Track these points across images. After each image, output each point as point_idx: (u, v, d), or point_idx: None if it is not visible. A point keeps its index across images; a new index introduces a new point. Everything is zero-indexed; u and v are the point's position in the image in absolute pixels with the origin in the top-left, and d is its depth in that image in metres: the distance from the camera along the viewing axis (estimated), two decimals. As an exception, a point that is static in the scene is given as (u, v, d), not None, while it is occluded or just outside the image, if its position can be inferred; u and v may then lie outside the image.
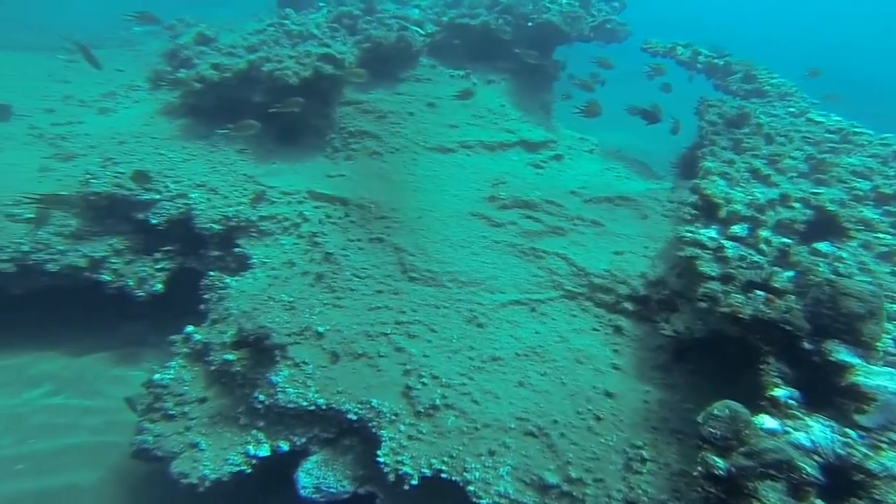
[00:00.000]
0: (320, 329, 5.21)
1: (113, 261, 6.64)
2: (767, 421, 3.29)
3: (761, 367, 3.78)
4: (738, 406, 3.25)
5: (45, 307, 6.95)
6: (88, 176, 6.94)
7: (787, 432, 3.20)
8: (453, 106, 9.01)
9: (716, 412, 3.26)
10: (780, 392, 3.53)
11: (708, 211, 5.49)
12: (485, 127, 8.96)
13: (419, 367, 4.95)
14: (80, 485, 5.26)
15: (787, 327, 3.80)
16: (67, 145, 8.00)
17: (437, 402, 4.67)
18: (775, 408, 3.42)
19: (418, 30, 9.86)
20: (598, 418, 4.61)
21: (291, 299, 5.52)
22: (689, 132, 8.64)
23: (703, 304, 4.39)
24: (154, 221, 6.76)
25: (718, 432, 3.19)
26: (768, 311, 3.96)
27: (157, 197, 6.88)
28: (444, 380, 4.85)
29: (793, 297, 4.08)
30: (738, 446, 3.11)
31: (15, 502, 4.98)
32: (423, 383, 4.82)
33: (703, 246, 4.95)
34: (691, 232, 5.24)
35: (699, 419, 3.35)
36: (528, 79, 10.67)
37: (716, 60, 10.94)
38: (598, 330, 5.47)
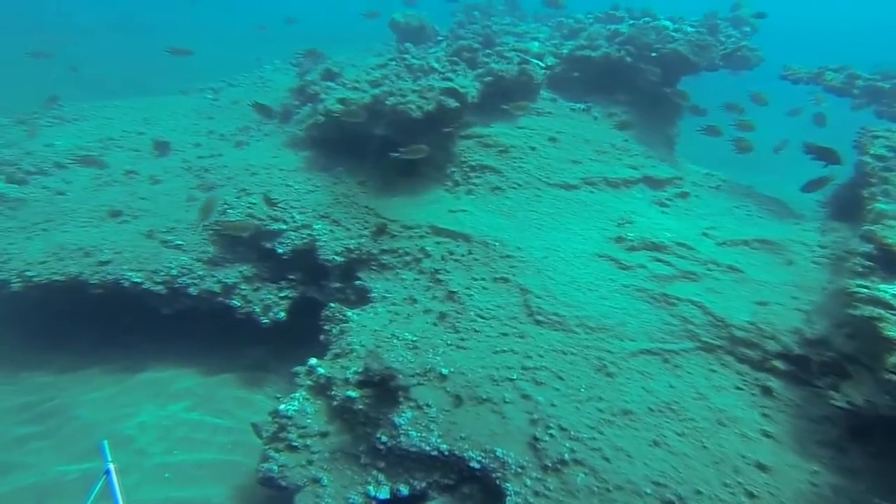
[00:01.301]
0: (444, 371, 5.06)
1: (242, 287, 6.95)
2: None
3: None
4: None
5: (186, 327, 7.42)
6: (226, 206, 7.37)
7: None
8: (575, 141, 8.75)
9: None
10: None
11: (888, 263, 4.79)
12: (608, 163, 8.61)
13: (546, 417, 4.65)
14: (211, 500, 5.40)
15: None
16: (209, 176, 8.58)
17: (566, 456, 4.35)
18: None
19: (539, 63, 9.76)
20: (752, 495, 4.07)
21: (415, 338, 5.43)
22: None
23: (894, 377, 3.76)
24: (280, 251, 7.02)
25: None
26: None
27: (284, 227, 7.16)
28: (572, 432, 4.52)
29: None
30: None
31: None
32: (551, 435, 4.51)
33: (886, 305, 4.29)
34: (866, 287, 4.58)
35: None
36: (650, 111, 10.21)
37: (880, 83, 9.82)
38: (742, 389, 4.91)
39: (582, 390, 4.92)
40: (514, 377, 5.04)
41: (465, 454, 4.48)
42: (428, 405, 4.80)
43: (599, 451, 4.37)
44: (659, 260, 6.46)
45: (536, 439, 4.48)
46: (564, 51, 10.63)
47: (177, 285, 6.81)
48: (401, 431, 4.62)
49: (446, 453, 4.52)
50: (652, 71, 9.56)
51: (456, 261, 6.56)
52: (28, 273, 6.77)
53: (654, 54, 10.11)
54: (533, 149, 8.49)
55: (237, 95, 13.31)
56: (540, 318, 5.71)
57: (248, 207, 7.28)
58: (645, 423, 4.58)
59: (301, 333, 6.83)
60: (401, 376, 4.74)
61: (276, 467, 4.87)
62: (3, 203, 8.41)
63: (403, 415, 4.71)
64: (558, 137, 8.88)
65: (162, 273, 6.83)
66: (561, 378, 5.05)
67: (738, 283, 6.16)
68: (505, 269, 6.31)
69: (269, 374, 7.19)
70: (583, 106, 9.95)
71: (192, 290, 6.81)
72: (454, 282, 6.20)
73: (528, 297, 5.88)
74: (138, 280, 6.76)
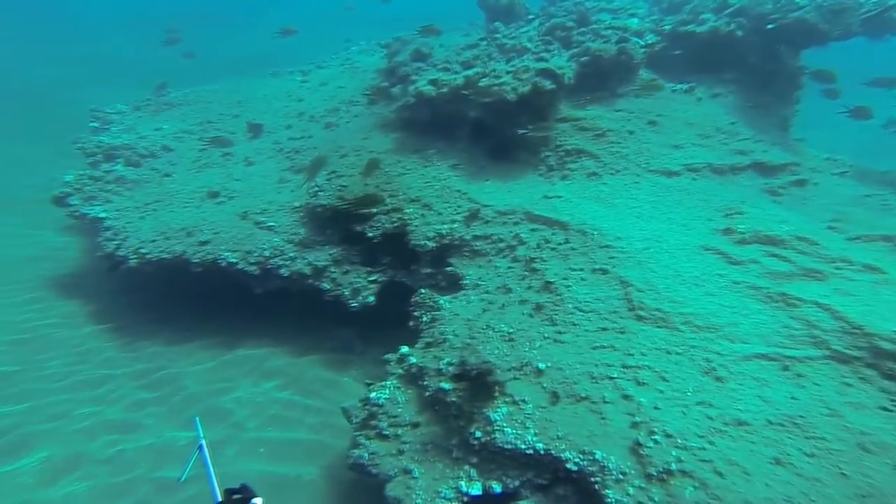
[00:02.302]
0: (541, 365, 4.86)
1: (332, 270, 7.02)
2: None
3: None
4: None
5: (277, 306, 7.65)
6: (316, 188, 7.46)
7: None
8: (676, 124, 8.18)
9: None
10: None
11: None
12: (712, 147, 8.00)
13: (650, 421, 4.35)
14: (303, 477, 5.53)
15: None
16: (300, 158, 8.74)
17: (673, 466, 4.03)
18: None
19: (639, 41, 9.18)
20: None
21: (511, 330, 5.25)
22: None
23: None
24: (370, 234, 7.02)
25: None
26: None
27: (374, 210, 7.15)
28: (679, 440, 4.19)
29: None
30: None
31: (263, 480, 5.39)
32: (656, 441, 4.21)
33: None
34: None
35: None
36: (762, 90, 9.38)
37: None
38: (890, 411, 4.36)
39: (688, 394, 4.57)
40: (615, 375, 4.76)
41: (561, 454, 4.27)
42: (524, 401, 4.62)
43: (711, 464, 4.03)
44: (774, 255, 5.90)
45: (639, 444, 4.20)
46: (666, 27, 9.95)
47: (269, 266, 6.99)
48: (496, 427, 4.47)
49: (542, 452, 4.33)
50: (766, 45, 8.72)
51: (552, 249, 6.29)
52: (142, 250, 7.18)
53: (770, 26, 9.23)
54: (631, 133, 8.02)
55: (326, 77, 13.51)
56: (642, 313, 5.37)
57: (339, 190, 7.33)
58: (763, 437, 4.18)
59: (388, 317, 6.86)
60: (498, 371, 4.60)
61: (366, 454, 4.88)
62: (122, 185, 8.99)
63: (499, 410, 4.56)
64: (658, 121, 8.34)
65: (255, 254, 7.02)
66: (665, 379, 4.72)
67: (878, 286, 5.51)
68: (604, 259, 5.99)
69: (354, 357, 7.26)
70: (685, 86, 9.29)
71: (284, 272, 6.97)
72: (551, 271, 5.94)
73: (629, 290, 5.54)
74: (234, 260, 6.99)
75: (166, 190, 8.86)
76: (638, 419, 4.37)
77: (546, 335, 5.19)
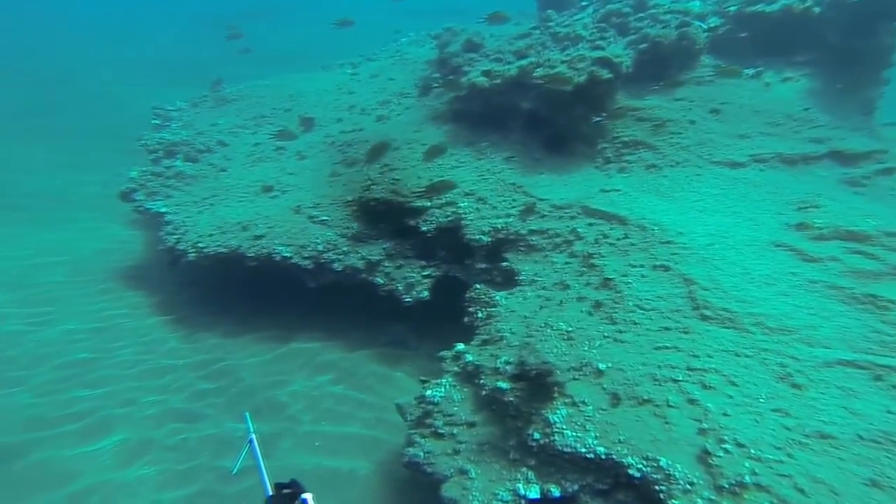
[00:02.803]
0: (601, 366, 4.69)
1: (385, 265, 7.01)
2: None
3: None
4: None
5: (330, 300, 7.71)
6: (370, 182, 7.45)
7: None
8: (742, 112, 7.75)
9: None
10: None
11: None
12: (783, 136, 7.53)
13: (719, 428, 4.11)
14: (357, 472, 5.55)
15: None
16: (352, 151, 8.76)
17: (746, 478, 3.79)
18: None
19: (702, 24, 8.74)
20: None
21: (570, 328, 5.10)
22: None
23: None
24: (424, 228, 6.96)
25: None
26: None
27: (428, 204, 7.08)
28: (752, 450, 3.95)
29: None
30: None
31: (318, 473, 5.47)
32: (726, 450, 3.98)
33: None
34: None
35: None
36: (842, 71, 8.76)
37: None
38: None
39: (761, 401, 4.30)
40: (679, 378, 4.54)
41: (623, 459, 4.10)
42: (584, 402, 4.47)
43: (790, 479, 3.76)
44: (859, 252, 5.49)
45: (708, 453, 3.98)
46: (731, 8, 9.44)
47: (322, 260, 7.03)
48: (555, 429, 4.34)
49: (603, 456, 4.19)
50: (851, 20, 8.05)
51: (611, 245, 6.08)
52: (200, 244, 7.36)
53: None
54: (692, 122, 7.65)
55: (376, 69, 13.52)
56: (707, 312, 5.11)
57: (392, 183, 7.30)
58: (853, 454, 3.86)
59: (441, 311, 6.81)
60: (558, 372, 4.47)
61: (421, 453, 4.84)
62: (181, 180, 9.26)
63: (558, 412, 4.43)
64: (722, 109, 7.93)
65: (309, 248, 7.08)
66: (734, 384, 4.47)
67: None
68: (665, 255, 5.73)
69: (408, 352, 7.25)
70: (752, 71, 8.80)
71: (337, 266, 6.99)
72: (609, 268, 5.74)
73: (693, 288, 5.28)
74: (288, 254, 7.06)
75: (222, 184, 9.05)
76: (706, 425, 4.15)
77: (606, 334, 5.01)
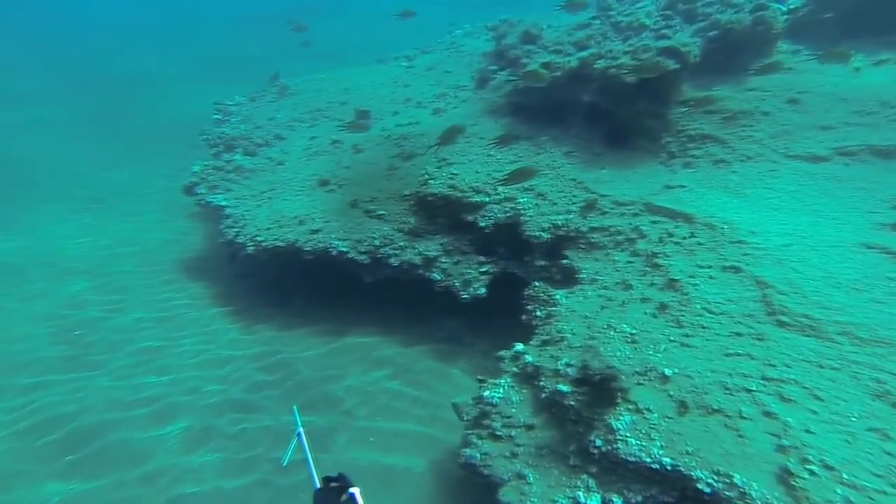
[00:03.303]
0: (667, 371, 4.46)
1: (443, 260, 6.93)
2: None
3: None
4: None
5: (385, 295, 7.71)
6: (427, 176, 7.38)
7: None
8: (825, 101, 7.22)
9: None
10: None
11: None
12: (875, 126, 6.94)
13: (801, 446, 3.81)
14: (412, 470, 5.52)
15: None
16: (408, 144, 8.72)
17: (838, 505, 3.50)
18: None
19: (780, 7, 8.19)
20: None
21: (633, 331, 4.88)
22: None
23: None
24: (482, 224, 6.84)
25: None
26: None
27: (486, 199, 6.95)
28: (845, 475, 3.61)
29: None
30: None
31: (373, 470, 5.47)
32: (811, 471, 3.67)
33: None
34: None
35: None
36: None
37: None
38: None
39: (853, 419, 3.95)
40: (753, 388, 4.25)
41: (691, 472, 3.88)
42: (648, 410, 4.26)
43: (895, 513, 3.44)
44: (965, 256, 5.03)
45: (789, 473, 3.69)
46: (814, -13, 8.81)
47: (379, 255, 7.01)
48: (618, 437, 4.16)
49: (669, 468, 3.97)
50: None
51: (676, 244, 5.79)
52: (258, 238, 7.49)
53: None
54: (766, 114, 7.19)
55: (432, 62, 13.45)
56: (784, 318, 4.78)
57: (450, 178, 7.20)
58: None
59: (497, 308, 6.68)
60: (623, 377, 4.27)
61: (478, 455, 4.75)
62: (241, 174, 9.47)
63: (621, 418, 4.24)
64: (801, 98, 7.41)
65: (365, 243, 7.08)
66: (818, 398, 4.14)
67: None
68: (736, 256, 5.41)
69: (463, 348, 7.16)
70: (861, 55, 8.12)
71: (393, 261, 6.96)
72: (675, 268, 5.46)
73: (768, 292, 4.94)
74: (344, 249, 7.08)
75: (280, 178, 9.19)
76: (785, 442, 3.86)
77: (672, 338, 4.77)
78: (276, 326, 7.76)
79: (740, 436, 4.01)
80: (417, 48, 15.48)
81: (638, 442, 4.12)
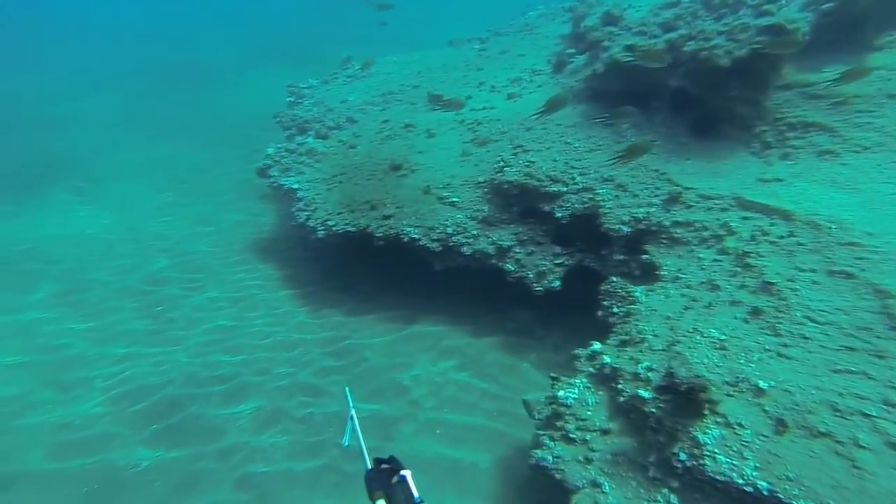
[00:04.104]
0: (762, 384, 4.08)
1: (517, 251, 6.71)
2: None
3: None
4: None
5: (456, 283, 7.58)
6: (502, 163, 7.15)
7: None
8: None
9: None
10: None
11: None
12: None
13: (941, 490, 3.36)
14: (478, 464, 5.42)
15: None
16: (482, 130, 8.49)
17: None
18: None
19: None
20: None
21: (723, 336, 4.51)
22: None
23: None
24: (559, 215, 6.56)
25: None
26: None
27: (564, 189, 6.65)
28: None
29: None
30: None
31: (439, 463, 5.39)
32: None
33: None
34: None
35: None
36: None
37: None
38: None
39: None
40: (872, 412, 3.80)
41: (793, 501, 3.53)
42: (740, 425, 3.92)
43: None
44: None
45: (926, 521, 3.26)
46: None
47: (451, 243, 6.88)
48: (705, 452, 3.85)
49: (765, 492, 3.63)
50: None
51: (772, 243, 5.31)
52: (329, 222, 7.51)
53: None
54: (893, 97, 6.45)
55: (505, 45, 13.07)
56: (909, 334, 4.27)
57: (526, 166, 6.95)
58: None
59: (571, 301, 6.43)
60: (714, 388, 3.95)
61: (550, 457, 4.55)
62: (313, 157, 9.55)
63: (709, 432, 3.92)
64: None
65: (437, 230, 6.95)
66: (958, 433, 3.66)
67: None
68: (847, 260, 4.88)
69: (534, 341, 6.95)
70: None
71: (466, 250, 6.81)
72: (771, 269, 5.01)
73: (890, 303, 4.43)
74: (416, 236, 6.99)
75: (351, 162, 9.18)
76: (921, 484, 3.41)
77: (767, 347, 4.38)
78: (344, 311, 7.81)
79: (856, 467, 3.58)
80: (490, 31, 15.09)
81: (728, 460, 3.80)
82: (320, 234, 7.55)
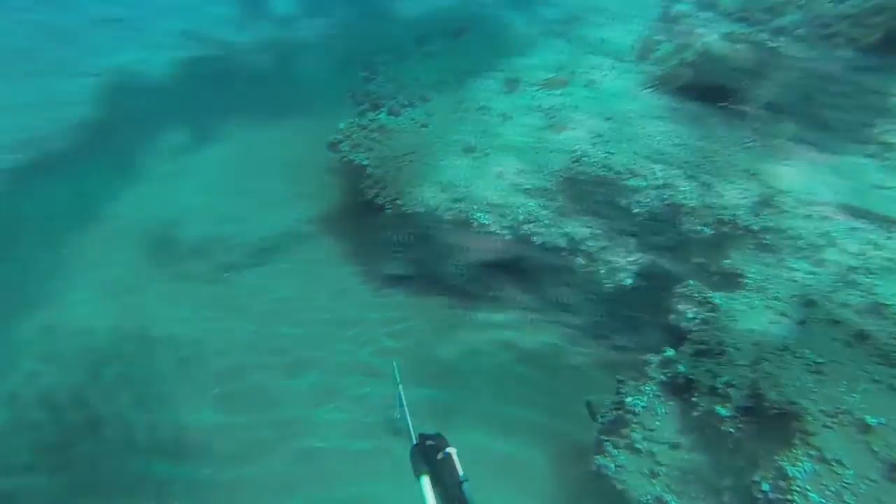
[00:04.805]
0: (869, 419, 3.69)
1: (589, 244, 6.44)
2: None
3: None
4: None
5: (517, 272, 7.37)
6: (579, 153, 6.84)
7: None
8: None
9: None
10: None
11: None
12: None
13: None
14: (533, 462, 5.30)
15: None
16: (560, 116, 8.15)
17: None
18: None
19: None
20: None
21: (820, 360, 4.13)
22: None
23: None
24: (636, 210, 6.23)
25: None
26: None
27: (643, 184, 6.30)
28: None
29: None
30: None
31: (491, 455, 5.29)
32: None
33: None
34: None
35: None
36: None
37: None
38: None
39: None
40: None
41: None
42: (839, 463, 3.56)
43: None
44: None
45: None
46: None
47: (521, 232, 6.67)
48: (794, 486, 3.54)
49: (867, 545, 3.30)
50: None
51: (886, 259, 4.84)
52: (397, 201, 7.43)
53: None
54: None
55: (584, 30, 12.51)
56: None
57: (605, 157, 6.61)
58: None
59: (641, 299, 6.15)
60: (809, 417, 3.61)
61: (613, 466, 4.35)
62: (383, 133, 9.47)
63: (800, 464, 3.60)
64: None
65: (509, 217, 6.75)
66: None
67: None
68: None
69: (599, 340, 6.68)
70: None
71: (536, 239, 6.59)
72: (882, 290, 4.55)
73: None
74: (486, 221, 6.81)
75: (423, 141, 9.03)
76: None
77: (876, 377, 3.96)
78: (407, 292, 7.74)
79: None
80: (570, 13, 14.48)
81: (823, 501, 3.46)
82: (388, 212, 7.49)
